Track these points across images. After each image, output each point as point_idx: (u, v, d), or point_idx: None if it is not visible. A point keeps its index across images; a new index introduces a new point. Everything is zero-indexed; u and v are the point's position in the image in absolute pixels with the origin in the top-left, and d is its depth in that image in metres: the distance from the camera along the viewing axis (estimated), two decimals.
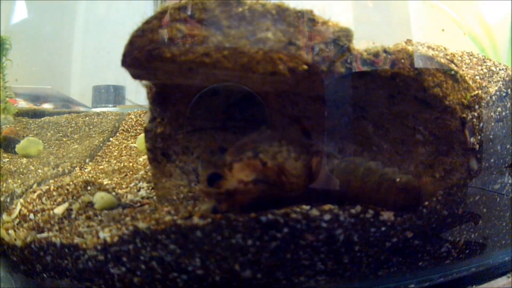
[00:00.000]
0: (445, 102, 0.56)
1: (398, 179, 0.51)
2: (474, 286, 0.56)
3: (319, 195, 0.52)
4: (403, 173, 0.53)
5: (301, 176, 0.51)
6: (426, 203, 0.52)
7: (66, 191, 0.66)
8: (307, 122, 0.61)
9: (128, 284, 0.48)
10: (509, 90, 0.61)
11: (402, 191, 0.52)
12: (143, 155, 0.92)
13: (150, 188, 0.67)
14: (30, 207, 0.63)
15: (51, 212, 0.60)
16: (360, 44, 0.53)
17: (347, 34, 0.51)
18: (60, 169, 0.85)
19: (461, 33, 1.05)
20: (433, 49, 0.71)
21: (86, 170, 0.86)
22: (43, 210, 0.61)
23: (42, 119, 1.14)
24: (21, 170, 0.83)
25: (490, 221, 0.59)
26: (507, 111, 0.60)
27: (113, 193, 0.65)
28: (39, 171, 0.83)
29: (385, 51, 0.53)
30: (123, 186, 0.70)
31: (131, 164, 0.87)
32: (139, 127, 1.13)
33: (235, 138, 0.65)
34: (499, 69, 0.68)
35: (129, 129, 1.13)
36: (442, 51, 0.71)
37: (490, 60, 0.72)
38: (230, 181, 0.48)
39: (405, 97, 0.57)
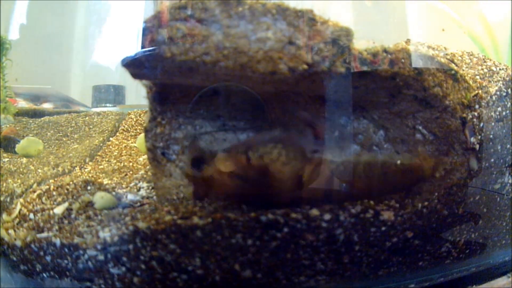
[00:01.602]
0: (445, 102, 0.56)
1: (399, 162, 0.51)
2: (474, 286, 0.56)
3: (325, 198, 0.51)
4: (399, 154, 0.53)
5: (287, 182, 0.50)
6: (426, 203, 0.52)
7: (66, 191, 0.66)
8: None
9: (128, 284, 0.48)
10: (509, 90, 0.61)
11: (408, 172, 0.51)
12: (143, 155, 0.92)
13: (150, 187, 0.67)
14: (30, 206, 0.63)
15: (51, 211, 0.60)
16: (360, 44, 0.52)
17: (347, 33, 0.51)
18: (60, 168, 0.85)
19: (461, 33, 1.05)
20: (433, 48, 0.71)
21: (86, 170, 0.86)
22: (43, 209, 0.61)
23: (42, 118, 1.14)
24: (21, 169, 0.82)
25: (490, 221, 0.59)
26: (507, 111, 0.60)
27: (113, 193, 0.65)
28: (39, 170, 0.83)
29: (385, 50, 0.53)
30: (123, 185, 0.70)
31: (131, 163, 0.87)
32: (139, 127, 1.13)
33: (235, 137, 0.65)
34: (499, 69, 0.68)
35: (129, 129, 1.13)
36: (442, 50, 0.71)
37: (490, 59, 0.72)
38: (209, 169, 0.48)
39: (405, 97, 0.57)
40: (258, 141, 0.51)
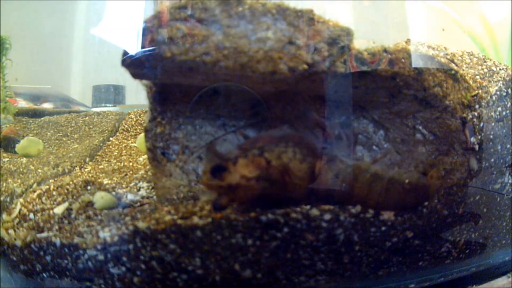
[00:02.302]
0: (445, 102, 0.56)
1: (407, 181, 0.51)
2: (474, 286, 0.56)
3: (324, 198, 0.52)
4: (407, 172, 0.53)
5: (305, 178, 0.51)
6: (426, 203, 0.52)
7: (66, 191, 0.66)
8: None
9: (128, 284, 0.48)
10: (509, 90, 0.61)
11: (412, 191, 0.51)
12: (143, 155, 0.92)
13: (150, 187, 0.67)
14: (30, 206, 0.62)
15: (51, 211, 0.60)
16: (360, 43, 0.52)
17: (347, 33, 0.51)
18: (60, 168, 0.85)
19: (461, 33, 1.05)
20: (433, 48, 0.71)
21: (86, 170, 0.86)
22: (43, 209, 0.61)
23: (42, 118, 1.14)
24: (21, 169, 0.82)
25: (490, 221, 0.59)
26: (507, 111, 0.60)
27: (113, 193, 0.65)
28: (39, 170, 0.83)
29: (385, 50, 0.53)
30: (123, 185, 0.70)
31: (131, 163, 0.87)
32: (139, 127, 1.13)
33: (235, 138, 0.65)
34: (499, 69, 0.68)
35: (129, 129, 1.13)
36: (442, 50, 0.71)
37: (490, 59, 0.72)
38: (233, 175, 0.48)
39: (405, 97, 0.57)
40: (268, 140, 0.52)
